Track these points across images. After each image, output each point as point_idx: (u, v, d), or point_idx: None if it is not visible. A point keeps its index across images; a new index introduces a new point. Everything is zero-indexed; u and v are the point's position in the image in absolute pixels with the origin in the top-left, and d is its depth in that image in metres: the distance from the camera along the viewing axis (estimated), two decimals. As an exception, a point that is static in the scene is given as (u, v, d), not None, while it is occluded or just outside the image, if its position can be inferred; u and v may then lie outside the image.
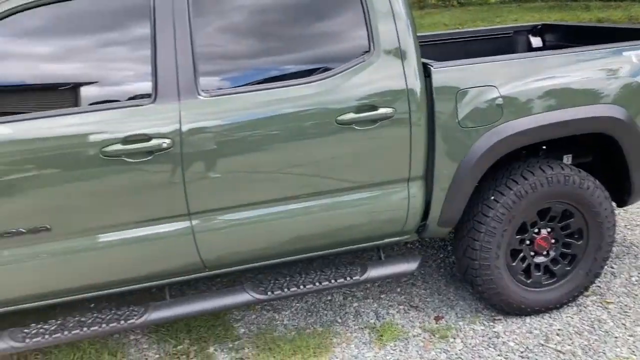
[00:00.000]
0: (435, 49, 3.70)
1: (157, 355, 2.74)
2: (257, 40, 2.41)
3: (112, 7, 2.24)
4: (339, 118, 2.30)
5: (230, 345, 2.78)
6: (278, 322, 2.96)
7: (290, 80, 2.33)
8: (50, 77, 2.27)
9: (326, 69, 2.35)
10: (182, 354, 2.73)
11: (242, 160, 2.29)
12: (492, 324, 2.81)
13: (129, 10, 2.25)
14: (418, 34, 2.60)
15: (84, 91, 2.28)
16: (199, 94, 2.24)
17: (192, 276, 2.50)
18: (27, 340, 2.26)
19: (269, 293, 2.49)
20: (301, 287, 2.52)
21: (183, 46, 2.22)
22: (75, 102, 2.25)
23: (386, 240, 2.65)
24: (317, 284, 2.53)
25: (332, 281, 2.54)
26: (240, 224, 2.39)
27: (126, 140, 2.17)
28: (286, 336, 2.82)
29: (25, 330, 2.32)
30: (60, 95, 2.27)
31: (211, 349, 2.76)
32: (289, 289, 2.51)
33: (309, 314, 3.01)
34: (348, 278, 2.56)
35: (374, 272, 2.60)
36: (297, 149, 2.32)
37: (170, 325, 2.90)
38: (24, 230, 2.16)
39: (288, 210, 2.41)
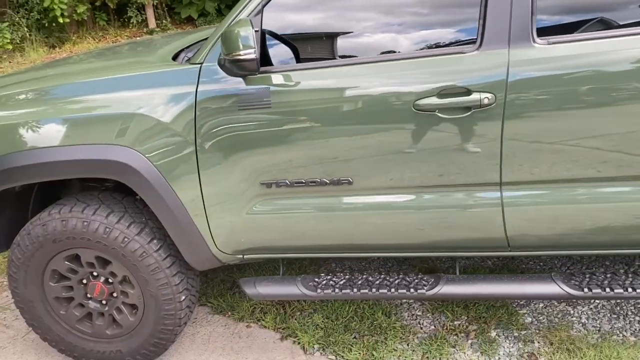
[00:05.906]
0: None
1: (432, 327, 2.55)
2: None
3: None
4: None
5: (516, 334, 2.43)
6: (574, 318, 2.50)
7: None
8: (362, 23, 2.12)
9: None
10: (460, 332, 2.49)
11: (578, 127, 1.86)
12: None
13: None
14: None
15: (398, 37, 2.07)
16: (534, 41, 1.84)
17: (490, 253, 2.19)
18: (319, 291, 2.23)
19: (585, 290, 2.04)
20: (628, 290, 2.01)
21: None
22: (389, 48, 2.06)
23: None
24: (651, 290, 1.99)
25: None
26: (559, 202, 1.98)
27: (442, 94, 1.90)
28: (587, 338, 2.36)
29: (316, 280, 2.30)
30: (373, 41, 2.10)
31: (493, 333, 2.45)
32: (611, 288, 2.03)
33: (615, 316, 2.48)
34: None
35: None
36: None
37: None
38: (327, 181, 2.08)
39: (622, 193, 1.92)
